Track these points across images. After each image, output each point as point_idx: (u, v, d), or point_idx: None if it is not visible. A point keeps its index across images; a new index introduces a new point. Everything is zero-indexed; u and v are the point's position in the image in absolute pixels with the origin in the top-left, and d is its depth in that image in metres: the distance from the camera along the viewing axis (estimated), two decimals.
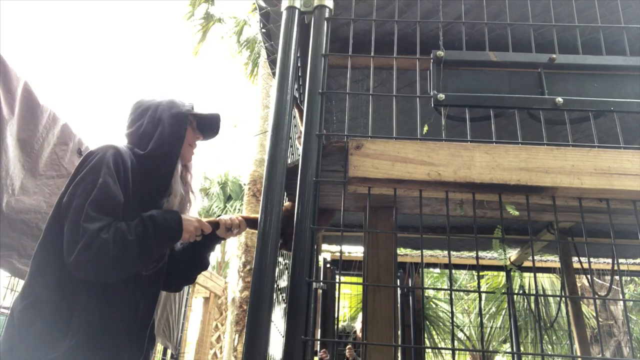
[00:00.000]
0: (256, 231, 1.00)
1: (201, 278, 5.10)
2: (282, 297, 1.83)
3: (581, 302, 3.57)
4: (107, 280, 1.22)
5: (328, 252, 4.31)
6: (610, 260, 3.91)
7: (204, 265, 1.57)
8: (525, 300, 6.36)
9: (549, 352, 6.70)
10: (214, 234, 1.46)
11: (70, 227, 1.18)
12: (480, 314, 1.01)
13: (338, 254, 4.25)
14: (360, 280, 4.64)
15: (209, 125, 1.57)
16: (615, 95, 1.10)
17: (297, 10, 1.16)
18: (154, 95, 1.50)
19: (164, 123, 1.39)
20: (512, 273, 3.58)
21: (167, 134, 1.38)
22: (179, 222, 1.31)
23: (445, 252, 4.36)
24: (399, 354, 3.96)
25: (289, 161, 1.06)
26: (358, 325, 4.31)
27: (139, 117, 1.43)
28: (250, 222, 1.56)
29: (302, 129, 1.04)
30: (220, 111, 1.57)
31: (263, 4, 1.67)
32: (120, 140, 1.42)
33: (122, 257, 1.17)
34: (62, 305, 1.19)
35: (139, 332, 1.35)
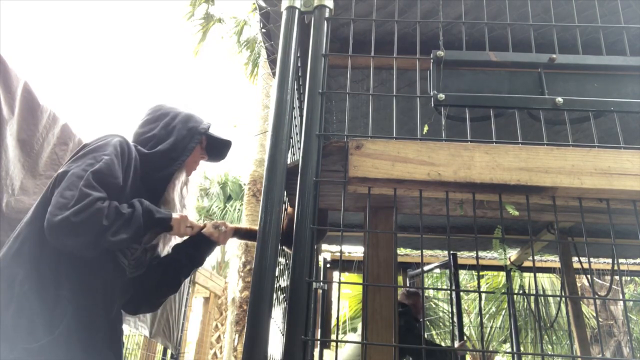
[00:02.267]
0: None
1: (201, 278, 5.10)
2: (282, 297, 1.83)
3: (581, 302, 3.57)
4: (84, 252, 1.14)
5: (328, 252, 4.30)
6: (610, 260, 3.91)
7: (176, 283, 1.46)
8: (525, 300, 6.35)
9: (549, 352, 6.70)
10: (202, 237, 1.43)
11: (64, 190, 1.11)
12: (480, 314, 1.01)
13: (338, 254, 4.24)
14: (360, 280, 4.63)
15: (218, 149, 1.61)
16: (615, 95, 1.10)
17: (297, 10, 1.16)
18: (176, 104, 1.54)
19: (177, 133, 1.43)
20: (512, 273, 3.58)
21: (178, 144, 1.41)
22: (167, 211, 1.34)
23: (445, 252, 4.35)
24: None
25: (289, 161, 1.06)
26: None
27: (153, 120, 1.46)
28: (241, 233, 1.51)
29: (303, 129, 1.04)
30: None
31: (263, 4, 1.67)
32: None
33: (111, 230, 1.13)
34: (44, 295, 1.12)
35: (113, 331, 1.32)
